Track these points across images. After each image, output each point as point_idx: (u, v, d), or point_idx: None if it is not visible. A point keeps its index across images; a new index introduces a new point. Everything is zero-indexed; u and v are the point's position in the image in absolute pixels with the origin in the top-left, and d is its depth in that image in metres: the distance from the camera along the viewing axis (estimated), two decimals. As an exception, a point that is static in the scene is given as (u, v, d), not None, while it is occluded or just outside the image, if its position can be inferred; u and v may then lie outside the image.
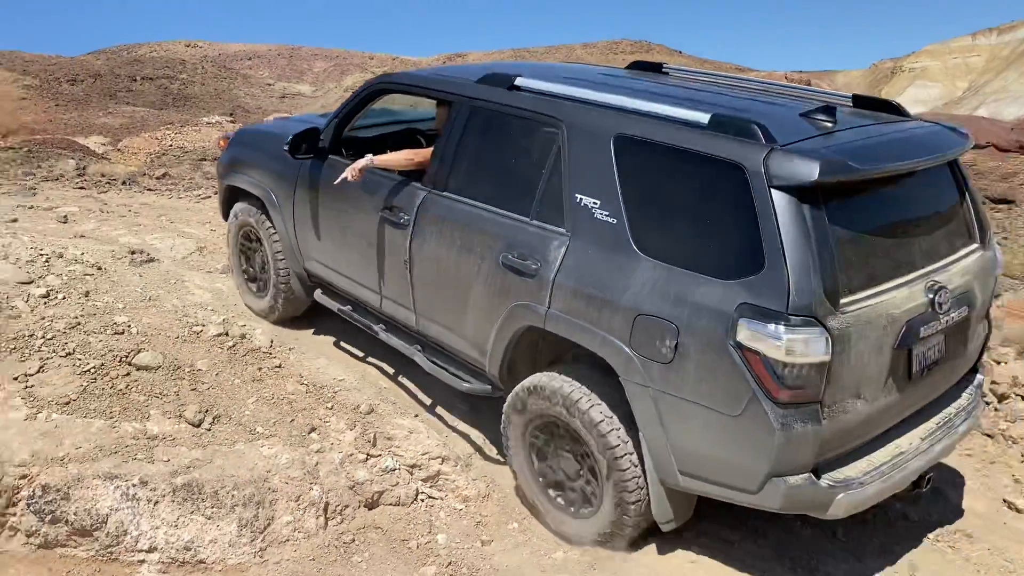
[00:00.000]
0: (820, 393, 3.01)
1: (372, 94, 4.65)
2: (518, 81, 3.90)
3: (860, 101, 3.83)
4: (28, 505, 3.58)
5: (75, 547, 3.57)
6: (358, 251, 4.55)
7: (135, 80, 42.35)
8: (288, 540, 3.68)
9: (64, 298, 4.74)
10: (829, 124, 3.30)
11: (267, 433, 4.04)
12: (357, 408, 4.34)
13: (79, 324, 4.51)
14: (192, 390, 4.22)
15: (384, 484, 3.98)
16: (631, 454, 3.42)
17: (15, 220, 6.97)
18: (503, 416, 3.90)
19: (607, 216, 3.42)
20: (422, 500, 4.01)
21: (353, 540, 3.74)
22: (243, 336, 4.76)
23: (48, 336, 4.37)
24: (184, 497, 3.65)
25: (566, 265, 3.50)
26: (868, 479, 3.24)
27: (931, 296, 3.31)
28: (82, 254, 5.39)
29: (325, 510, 3.80)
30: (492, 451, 4.43)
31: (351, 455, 4.03)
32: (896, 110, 3.79)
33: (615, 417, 3.44)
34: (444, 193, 4.08)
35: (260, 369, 4.51)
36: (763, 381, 2.98)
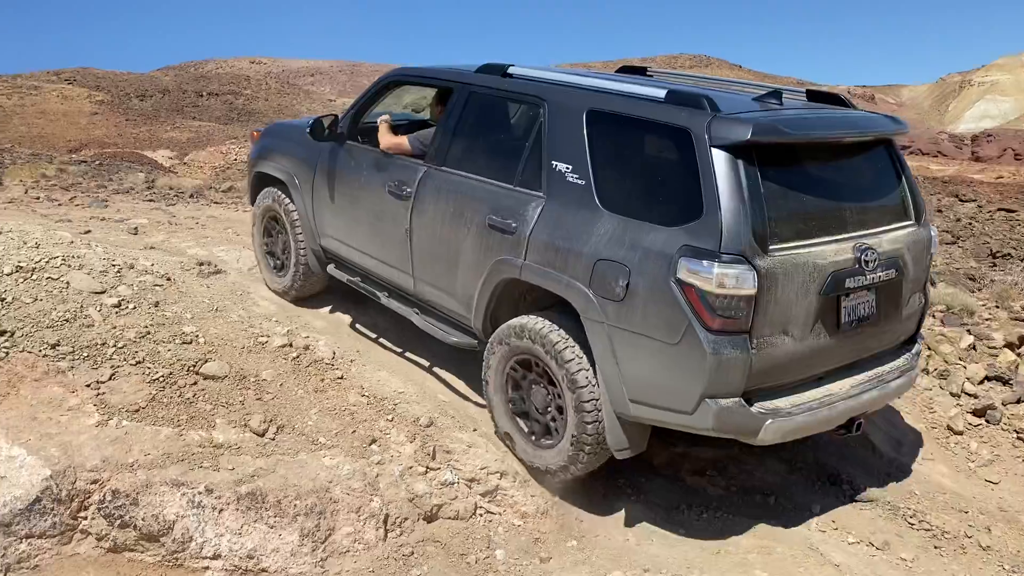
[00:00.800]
0: (748, 324, 3.46)
1: (386, 85, 5.30)
2: (511, 70, 4.51)
3: (813, 95, 4.32)
4: (99, 509, 3.67)
5: (142, 552, 3.65)
6: (367, 224, 5.11)
7: (202, 95, 43.64)
8: (348, 551, 3.71)
9: (135, 308, 4.87)
10: (775, 104, 3.89)
11: (329, 444, 4.08)
12: (417, 421, 4.36)
13: (149, 333, 4.62)
14: (257, 400, 4.29)
15: (443, 497, 3.98)
16: (593, 388, 3.85)
17: (88, 231, 7.21)
18: (486, 350, 4.34)
19: (577, 179, 3.95)
20: (480, 515, 4.00)
21: (412, 553, 3.75)
22: (307, 347, 4.83)
23: (119, 345, 4.49)
24: (248, 505, 3.70)
25: (540, 222, 4.02)
26: (796, 411, 3.67)
27: (858, 255, 3.76)
28: (152, 265, 5.54)
29: (385, 522, 3.82)
30: (551, 467, 4.40)
31: (411, 468, 4.05)
32: (843, 103, 4.32)
33: (583, 358, 3.88)
34: (442, 168, 4.63)
35: (323, 380, 4.56)
36: (698, 311, 3.43)
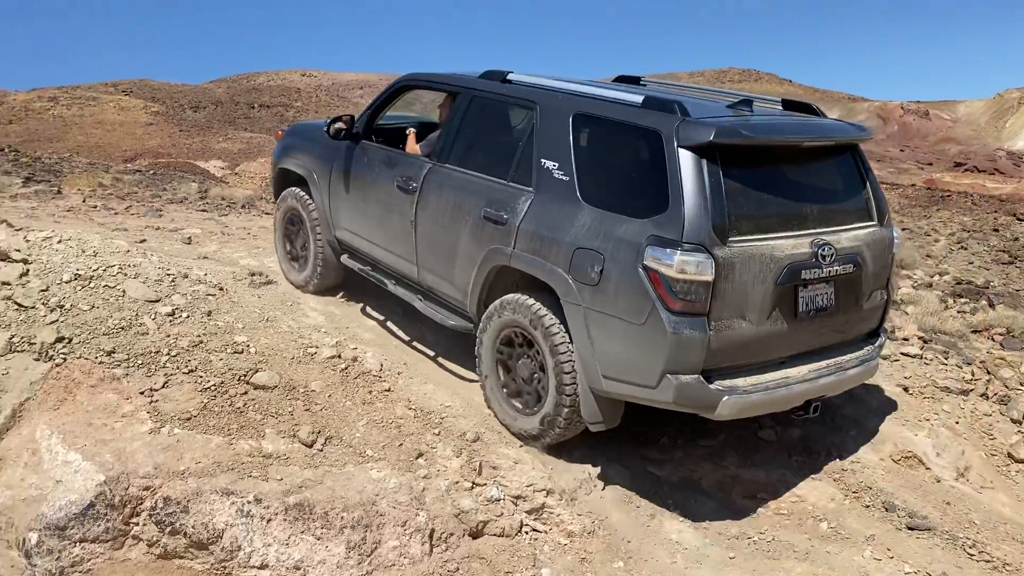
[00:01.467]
0: (707, 307, 3.79)
1: (399, 90, 5.71)
2: (510, 76, 4.92)
3: (788, 104, 4.72)
4: (150, 515, 3.72)
5: (192, 559, 3.68)
6: (377, 217, 5.50)
7: (253, 107, 44.51)
8: (394, 565, 3.70)
9: (188, 317, 4.95)
10: (746, 111, 4.28)
11: (376, 456, 4.09)
12: (463, 435, 4.35)
13: (202, 342, 4.69)
14: (306, 410, 4.32)
15: (489, 514, 3.96)
16: (571, 357, 4.18)
17: (144, 240, 7.37)
18: (479, 327, 4.71)
19: (562, 175, 4.33)
20: (526, 532, 3.96)
21: (457, 569, 3.73)
22: (355, 359, 4.85)
23: (173, 353, 4.56)
24: (296, 516, 3.72)
25: (529, 215, 4.40)
26: (753, 390, 3.97)
27: (815, 249, 4.08)
28: (205, 275, 5.63)
29: (431, 537, 3.80)
30: (598, 485, 4.34)
31: (457, 483, 4.03)
32: (814, 111, 4.64)
33: (564, 331, 4.21)
34: (445, 165, 5.04)
35: (371, 392, 4.58)
36: (661, 295, 3.76)
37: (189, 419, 4.15)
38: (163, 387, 4.34)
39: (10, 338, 4.55)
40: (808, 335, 4.23)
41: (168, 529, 3.69)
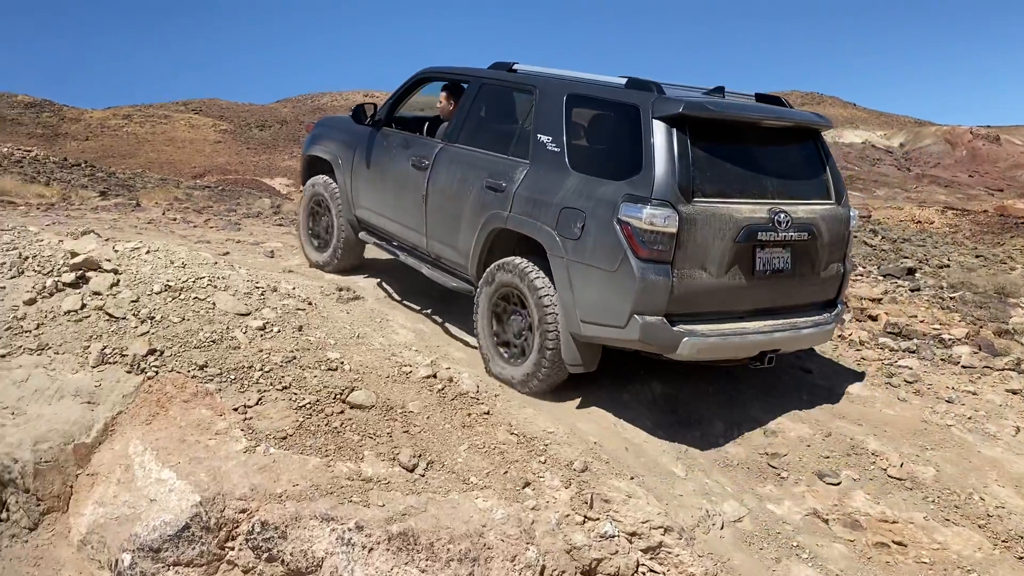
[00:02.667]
0: (671, 256, 4.27)
1: (418, 81, 6.28)
2: (515, 67, 5.49)
3: (760, 97, 5.07)
4: (246, 540, 3.52)
5: (289, 589, 3.46)
6: (393, 194, 6.03)
7: (317, 127, 45.15)
8: (502, 604, 3.42)
9: (279, 331, 4.79)
10: (717, 96, 4.81)
11: (481, 484, 3.83)
12: (571, 465, 4.06)
13: (295, 358, 4.51)
14: (404, 432, 4.10)
15: (603, 551, 3.66)
16: (555, 309, 4.66)
17: (227, 253, 7.29)
18: (478, 288, 5.18)
19: (555, 147, 4.86)
20: (643, 573, 3.65)
21: (570, 611, 3.44)
22: (451, 379, 4.62)
23: (266, 369, 4.39)
24: (399, 546, 3.48)
25: (524, 182, 4.92)
26: (711, 334, 4.43)
27: (772, 215, 4.55)
28: (294, 289, 5.48)
29: (541, 574, 3.52)
30: (717, 523, 4.01)
31: (567, 516, 3.75)
32: (782, 103, 5.04)
33: (550, 286, 4.68)
34: (455, 144, 5.58)
35: (469, 415, 4.34)
36: (632, 244, 4.26)
37: (285, 438, 3.95)
38: (257, 404, 4.16)
39: (102, 349, 4.44)
40: (765, 293, 4.70)
41: (265, 555, 3.49)
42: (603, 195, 4.44)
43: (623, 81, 4.72)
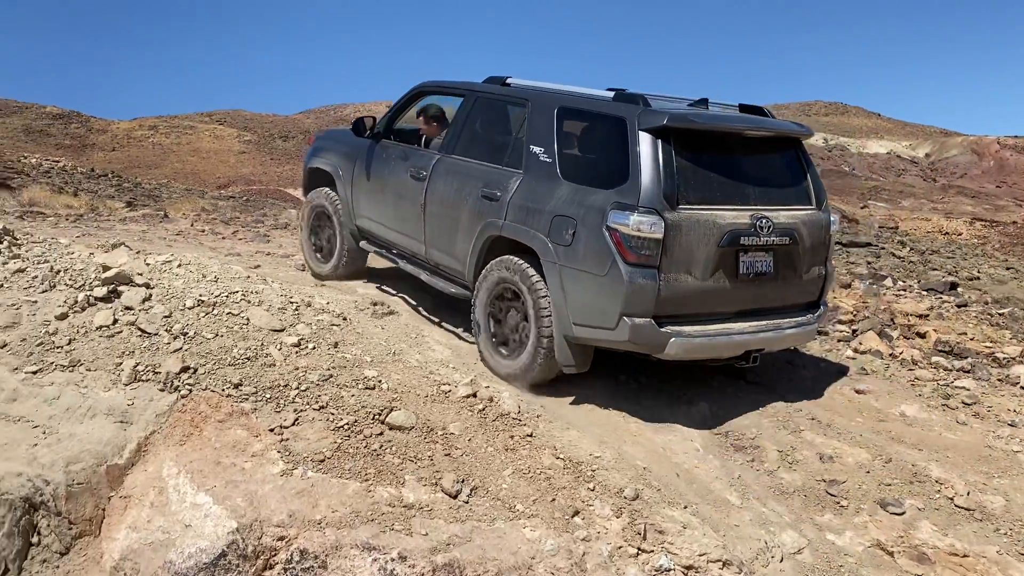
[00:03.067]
0: (657, 261, 4.46)
1: (415, 95, 6.44)
2: (509, 81, 5.72)
3: (744, 108, 5.30)
4: (285, 570, 3.37)
5: (329, 622, 3.30)
6: (392, 204, 6.19)
7: (340, 137, 45.33)
8: (554, 641, 3.24)
9: (314, 348, 4.64)
10: (702, 108, 5.00)
11: (527, 512, 3.65)
12: (621, 492, 3.87)
13: (331, 376, 4.36)
14: (446, 455, 3.93)
15: (658, 586, 3.46)
16: (550, 314, 4.83)
17: (258, 266, 7.18)
18: (476, 284, 5.35)
19: (547, 158, 5.05)
20: (700, 610, 3.45)
21: (626, 650, 3.24)
22: (491, 399, 4.45)
23: (302, 387, 4.24)
24: (444, 579, 3.30)
25: (518, 191, 5.11)
26: (698, 335, 4.62)
27: (754, 221, 4.72)
28: (328, 304, 5.34)
29: (594, 610, 3.33)
30: (775, 556, 3.80)
31: (620, 548, 3.55)
32: (764, 113, 5.26)
33: (545, 285, 4.85)
34: (452, 155, 5.76)
35: (512, 437, 4.16)
36: (620, 250, 4.46)
37: (323, 461, 3.80)
38: (293, 424, 4.01)
39: (135, 366, 4.31)
40: (749, 295, 4.87)
41: (304, 586, 3.32)
42: (593, 203, 4.65)
43: (611, 95, 4.96)
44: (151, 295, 4.91)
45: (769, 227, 4.76)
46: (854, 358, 6.18)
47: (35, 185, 16.40)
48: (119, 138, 41.10)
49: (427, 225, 5.83)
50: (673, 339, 4.51)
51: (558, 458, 4.05)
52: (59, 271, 4.99)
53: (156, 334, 4.56)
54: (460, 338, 5.81)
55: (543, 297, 4.84)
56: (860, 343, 6.23)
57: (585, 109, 5.10)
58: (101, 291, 4.89)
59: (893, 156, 73.52)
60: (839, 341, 6.51)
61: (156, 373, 4.28)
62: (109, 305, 4.76)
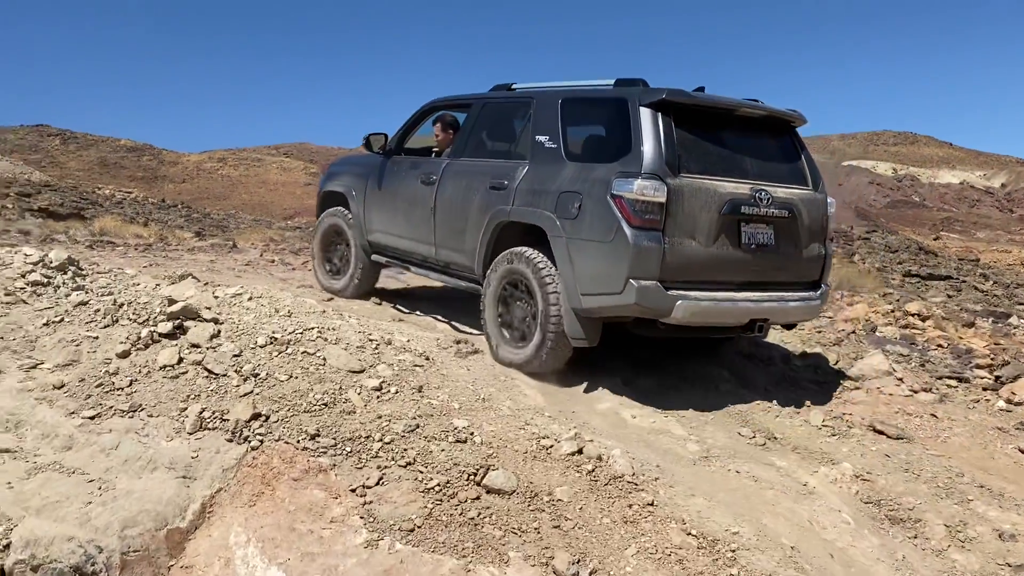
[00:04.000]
0: (661, 224, 4.68)
1: (426, 112, 6.72)
2: (514, 86, 6.01)
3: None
4: (371, 668, 2.80)
5: None
6: (403, 211, 6.40)
7: (403, 169, 45.63)
8: None
9: (397, 392, 4.12)
10: (699, 91, 5.07)
11: (659, 604, 3.02)
12: (770, 579, 3.21)
13: (417, 427, 3.83)
14: (555, 528, 3.33)
15: None
16: (557, 288, 5.00)
17: (331, 299, 6.74)
18: (487, 277, 5.52)
19: (552, 144, 5.31)
20: None
21: None
22: (600, 457, 3.85)
23: (386, 440, 3.72)
24: None
25: (524, 178, 5.36)
26: (704, 299, 4.78)
27: (754, 192, 4.97)
28: (408, 341, 4.83)
29: None
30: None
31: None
32: (758, 101, 5.37)
33: (553, 270, 5.04)
34: (460, 159, 6.03)
35: (630, 506, 3.54)
36: (625, 215, 4.66)
37: (412, 531, 3.25)
38: (377, 484, 3.48)
39: (200, 412, 3.85)
40: (752, 266, 5.03)
41: None
42: (597, 176, 4.88)
43: (611, 82, 5.27)
44: (219, 331, 4.47)
45: (768, 199, 5.00)
46: (1009, 410, 5.38)
47: (107, 215, 16.49)
48: (189, 170, 41.95)
49: (437, 227, 6.08)
50: (680, 302, 4.67)
51: (689, 534, 3.41)
52: (122, 304, 4.60)
53: (224, 375, 4.10)
54: (545, 382, 5.22)
55: (549, 282, 5.04)
56: (1013, 393, 5.44)
57: (588, 97, 5.43)
58: (166, 326, 4.46)
59: (966, 186, 70.91)
60: (984, 390, 5.71)
61: (224, 420, 3.80)
62: (174, 342, 4.34)
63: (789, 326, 5.94)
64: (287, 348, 4.35)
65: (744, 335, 5.23)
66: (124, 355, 4.32)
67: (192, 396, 3.94)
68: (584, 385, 5.18)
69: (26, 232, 11.27)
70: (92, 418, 3.81)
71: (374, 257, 6.86)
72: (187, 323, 4.52)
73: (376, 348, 4.57)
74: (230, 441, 3.71)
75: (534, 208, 5.16)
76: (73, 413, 3.83)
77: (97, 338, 4.44)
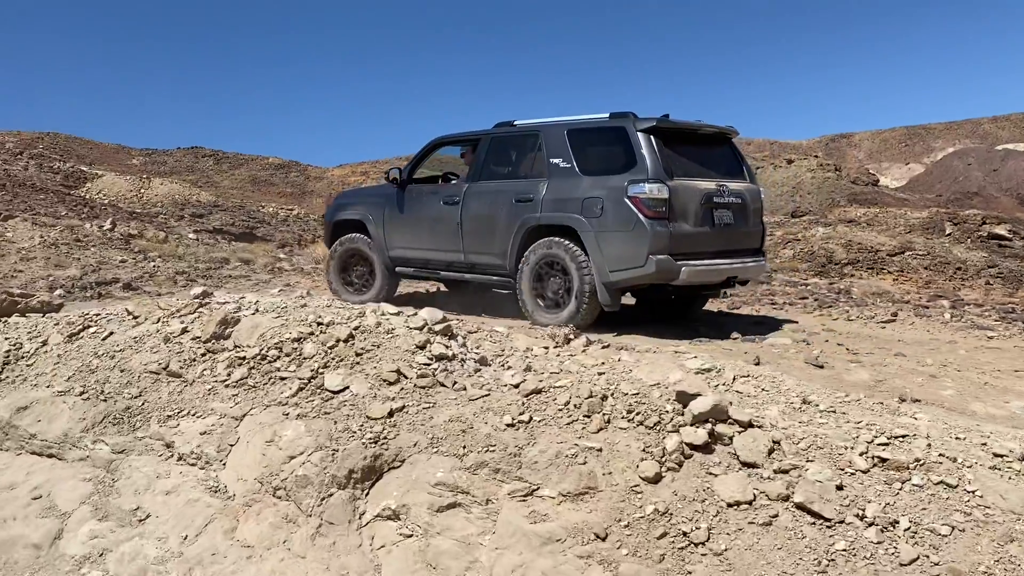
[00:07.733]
0: (666, 214, 6.35)
1: (433, 147, 8.16)
2: (515, 123, 7.62)
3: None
4: None
5: None
6: (428, 228, 7.73)
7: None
8: None
9: None
10: (665, 117, 6.71)
11: None
12: None
13: None
14: None
15: None
16: (588, 266, 6.58)
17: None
18: (523, 261, 6.98)
19: (566, 165, 6.90)
20: None
21: None
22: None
23: None
24: None
25: (547, 192, 6.92)
26: (699, 266, 6.50)
27: (719, 187, 6.78)
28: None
29: None
30: None
31: None
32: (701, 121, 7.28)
33: (583, 253, 6.61)
34: (478, 183, 7.48)
35: None
36: (641, 210, 6.33)
37: None
38: None
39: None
40: (722, 240, 6.82)
41: None
42: (614, 184, 6.47)
43: (606, 115, 6.81)
44: (777, 442, 3.12)
45: (728, 192, 6.78)
46: None
47: (312, 243, 15.85)
48: (334, 184, 42.11)
49: (465, 237, 7.37)
50: (684, 268, 6.32)
51: None
52: (605, 396, 3.31)
53: (841, 521, 2.73)
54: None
55: (582, 261, 6.54)
56: None
57: (590, 127, 6.92)
58: (696, 434, 3.17)
59: None
60: None
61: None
62: (715, 459, 3.03)
63: (743, 282, 7.46)
64: (908, 474, 2.95)
65: (724, 290, 7.41)
66: (655, 480, 3.04)
67: (816, 568, 2.58)
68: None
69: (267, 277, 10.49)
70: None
71: (397, 270, 8.04)
72: (717, 427, 3.22)
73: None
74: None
75: (562, 213, 6.73)
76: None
77: (600, 450, 3.18)
